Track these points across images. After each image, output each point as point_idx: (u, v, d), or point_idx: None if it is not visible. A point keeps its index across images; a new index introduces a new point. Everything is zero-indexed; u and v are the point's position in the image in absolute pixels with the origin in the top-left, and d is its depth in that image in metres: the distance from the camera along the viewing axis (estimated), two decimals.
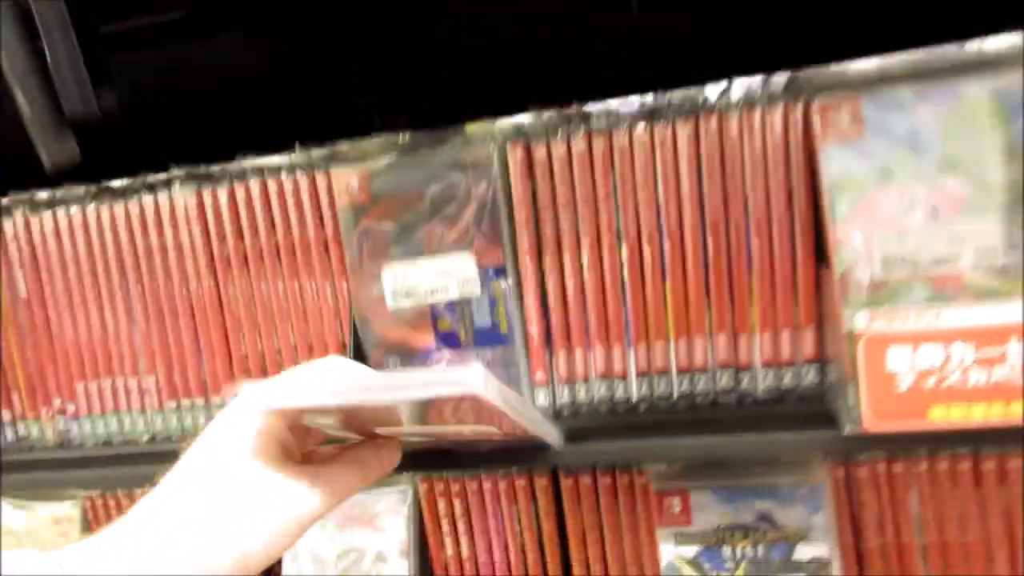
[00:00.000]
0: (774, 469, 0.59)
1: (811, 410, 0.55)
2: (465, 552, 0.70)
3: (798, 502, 0.59)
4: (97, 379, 0.71)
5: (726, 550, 0.60)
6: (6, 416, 0.75)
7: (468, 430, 0.48)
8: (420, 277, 0.61)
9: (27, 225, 0.70)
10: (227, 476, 0.42)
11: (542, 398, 0.60)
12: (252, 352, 0.67)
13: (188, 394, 0.69)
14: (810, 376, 0.55)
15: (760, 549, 0.60)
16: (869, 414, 0.47)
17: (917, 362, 0.46)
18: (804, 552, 0.59)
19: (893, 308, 0.46)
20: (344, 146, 0.61)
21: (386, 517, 0.72)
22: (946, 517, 0.59)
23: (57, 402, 0.73)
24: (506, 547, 0.69)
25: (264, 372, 0.67)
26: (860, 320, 0.46)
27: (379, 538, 0.72)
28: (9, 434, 0.75)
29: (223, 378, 0.68)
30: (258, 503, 0.41)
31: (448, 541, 0.71)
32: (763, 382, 0.56)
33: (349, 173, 0.60)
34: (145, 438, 0.71)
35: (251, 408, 0.44)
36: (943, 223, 0.48)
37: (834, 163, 0.49)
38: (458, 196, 0.58)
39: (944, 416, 0.46)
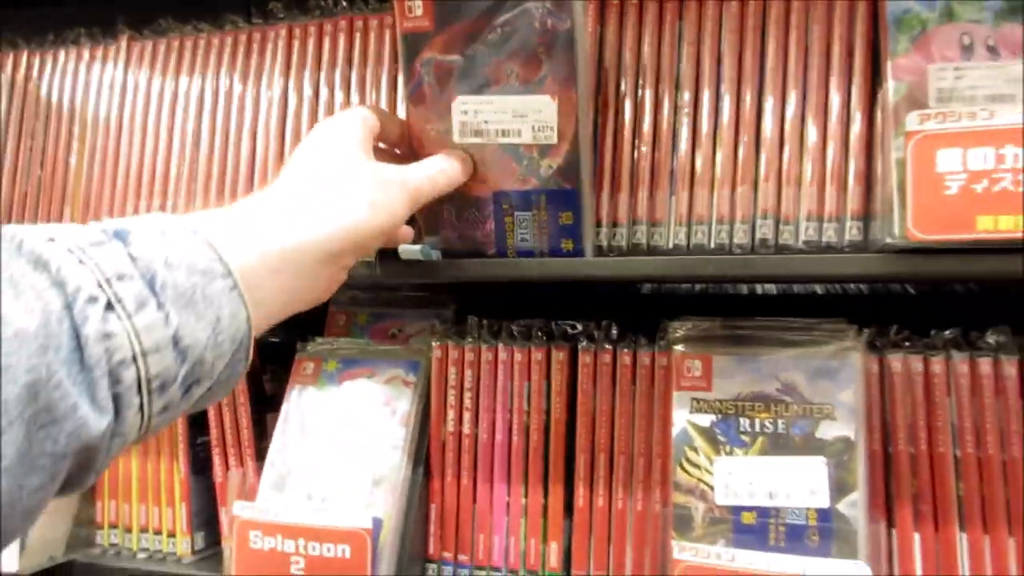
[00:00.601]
0: (805, 336, 0.57)
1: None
2: (466, 429, 0.67)
3: (826, 376, 0.56)
4: (150, 200, 0.73)
5: (744, 422, 0.57)
6: None
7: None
8: (492, 114, 0.56)
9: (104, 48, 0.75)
10: (342, 160, 0.47)
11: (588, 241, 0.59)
12: None
13: None
14: (853, 232, 0.54)
15: (780, 423, 0.56)
16: (916, 220, 0.46)
17: (968, 163, 0.45)
18: (828, 430, 0.55)
19: (945, 109, 0.46)
20: None
21: (393, 386, 0.70)
22: (985, 426, 0.56)
23: (105, 219, 0.74)
24: (509, 427, 0.66)
25: None
26: (911, 121, 0.46)
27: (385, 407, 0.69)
28: None
29: None
30: (367, 182, 0.47)
31: (451, 415, 0.68)
32: (804, 234, 0.55)
33: None
34: None
35: (356, 113, 0.51)
36: (1002, 63, 0.49)
37: (896, 2, 0.51)
38: (533, 28, 0.54)
39: (992, 227, 0.45)
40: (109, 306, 0.32)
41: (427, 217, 0.60)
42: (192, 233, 0.36)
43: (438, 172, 0.54)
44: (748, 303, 0.90)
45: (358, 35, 0.67)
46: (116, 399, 0.33)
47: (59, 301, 0.31)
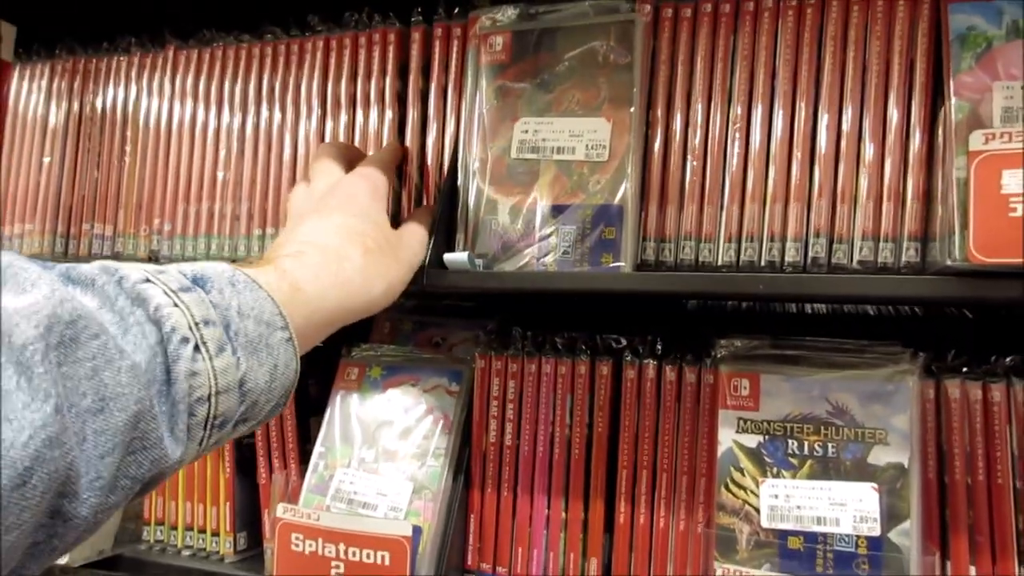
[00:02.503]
0: (857, 359, 0.56)
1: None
2: (508, 440, 0.67)
3: (880, 400, 0.55)
4: (199, 203, 0.75)
5: (792, 443, 0.56)
6: (108, 231, 0.79)
7: None
8: (550, 133, 0.60)
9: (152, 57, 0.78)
10: (376, 236, 0.54)
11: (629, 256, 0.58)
12: None
13: (276, 224, 0.71)
14: (910, 252, 0.53)
15: (831, 447, 0.55)
16: (978, 243, 0.45)
17: None
18: (880, 456, 0.54)
19: (1010, 129, 0.45)
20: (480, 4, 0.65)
21: (436, 395, 0.70)
22: None
23: (157, 221, 0.77)
24: (551, 440, 0.66)
25: None
26: (975, 141, 0.45)
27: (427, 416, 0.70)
28: (105, 248, 0.78)
29: None
30: (393, 265, 0.54)
31: (493, 426, 0.68)
32: (858, 254, 0.54)
33: (495, 33, 0.63)
34: (228, 258, 0.72)
35: (378, 176, 0.58)
36: None
37: (960, 18, 0.50)
38: (597, 62, 0.60)
39: None
40: (196, 348, 0.35)
41: (472, 226, 0.60)
42: (257, 286, 0.40)
43: (424, 248, 0.59)
44: (797, 322, 0.88)
45: (391, 48, 0.68)
46: (188, 431, 0.35)
47: (155, 337, 0.34)
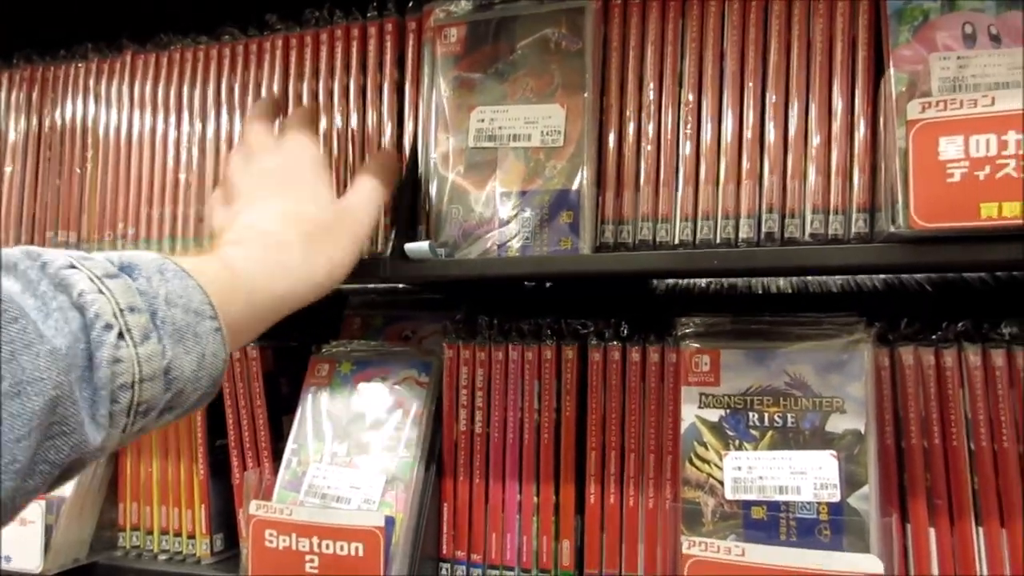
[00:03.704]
0: (814, 331, 0.57)
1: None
2: (478, 428, 0.68)
3: (836, 369, 0.56)
4: (162, 206, 0.75)
5: (753, 416, 0.57)
6: (72, 238, 0.78)
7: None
8: (506, 121, 0.61)
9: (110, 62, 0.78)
10: (320, 209, 0.55)
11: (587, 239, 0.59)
12: None
13: None
14: (859, 223, 0.54)
15: (790, 417, 0.56)
16: (919, 209, 0.46)
17: (970, 151, 0.45)
18: (838, 423, 0.55)
19: (946, 97, 0.46)
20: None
21: (406, 387, 0.71)
22: (999, 419, 0.55)
23: (120, 226, 0.76)
24: (521, 426, 0.67)
25: None
26: (912, 110, 0.46)
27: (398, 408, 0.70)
28: None
29: None
30: (340, 242, 0.54)
31: (463, 415, 0.68)
32: (810, 227, 0.55)
33: (449, 25, 0.64)
34: None
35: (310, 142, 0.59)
36: (1005, 50, 0.49)
37: None
38: (548, 49, 0.61)
39: (996, 214, 0.45)
40: (120, 335, 0.35)
41: (434, 215, 0.61)
42: (186, 275, 0.40)
43: (375, 207, 0.59)
44: (764, 301, 0.89)
45: (355, 43, 0.68)
46: (110, 417, 0.35)
47: (78, 323, 0.34)
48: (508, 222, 0.60)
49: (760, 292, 0.91)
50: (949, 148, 0.45)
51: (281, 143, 0.58)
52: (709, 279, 0.94)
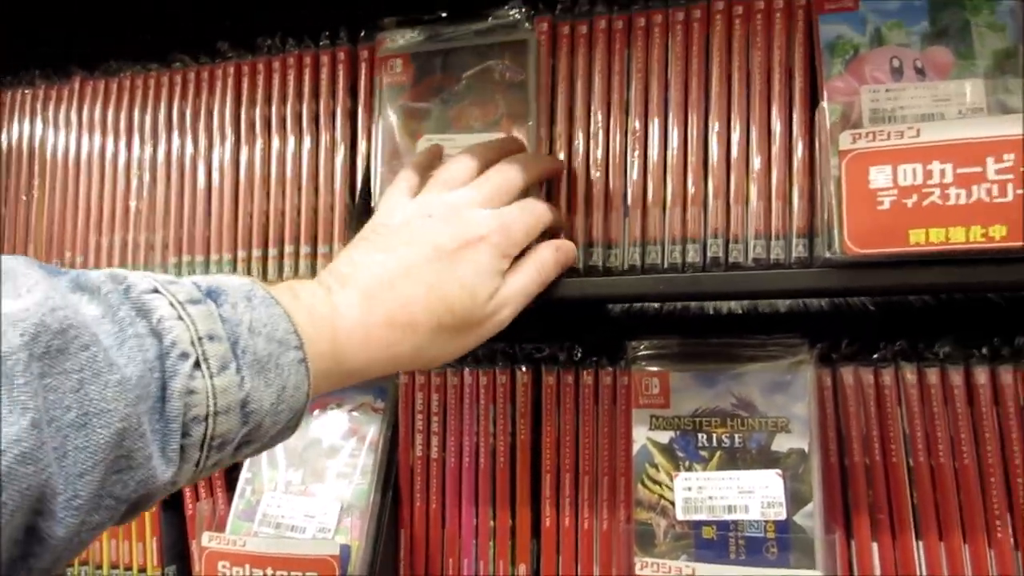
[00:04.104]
0: (759, 352, 0.58)
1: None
2: (434, 454, 0.68)
3: (780, 390, 0.57)
4: (111, 234, 0.74)
5: (702, 437, 0.58)
6: None
7: None
8: (452, 149, 0.62)
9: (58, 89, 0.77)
10: (472, 292, 0.47)
11: None
12: (258, 214, 0.69)
13: (191, 251, 0.71)
14: (799, 248, 0.56)
15: (737, 437, 0.57)
16: (852, 236, 0.48)
17: (898, 179, 0.47)
18: (783, 443, 0.57)
19: (875, 129, 0.48)
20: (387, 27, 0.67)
21: (362, 412, 0.71)
22: (935, 435, 0.57)
23: (68, 255, 0.75)
24: (476, 451, 0.67)
25: (265, 234, 0.69)
26: (844, 140, 0.48)
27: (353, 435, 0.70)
28: None
29: (227, 238, 0.70)
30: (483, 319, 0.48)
31: (419, 440, 0.69)
32: (752, 252, 0.57)
33: (394, 56, 0.65)
34: None
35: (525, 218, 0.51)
36: (929, 83, 0.51)
37: (829, 28, 0.54)
38: (493, 80, 0.62)
39: (923, 240, 0.47)
40: (196, 364, 0.33)
41: None
42: (274, 302, 0.38)
43: (525, 302, 0.51)
44: (716, 322, 0.91)
45: (307, 71, 0.69)
46: (181, 451, 0.34)
47: (154, 351, 0.33)
48: None
49: (712, 313, 0.93)
50: (879, 177, 0.47)
51: (489, 212, 0.49)
52: (662, 302, 0.96)
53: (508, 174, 0.52)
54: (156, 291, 0.34)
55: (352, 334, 0.42)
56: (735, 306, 0.94)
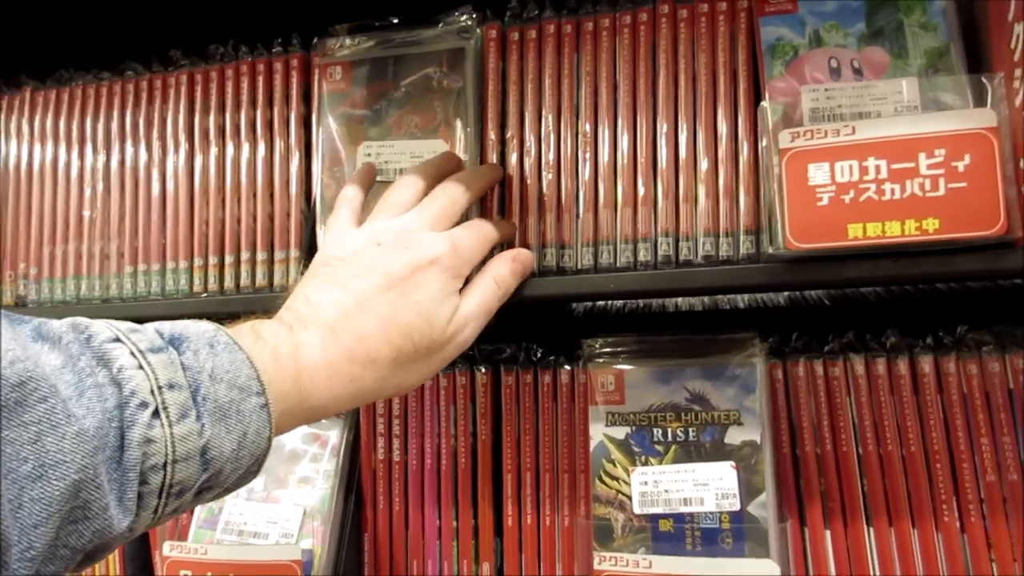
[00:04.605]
0: (711, 347, 0.60)
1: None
2: (396, 456, 0.69)
3: (732, 383, 0.59)
4: (65, 244, 0.74)
5: (657, 432, 0.59)
6: None
7: None
8: (392, 156, 0.64)
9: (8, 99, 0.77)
10: (428, 319, 0.47)
11: None
12: (214, 222, 0.69)
13: (147, 260, 0.71)
14: (747, 245, 0.57)
15: (691, 431, 0.58)
16: (793, 231, 0.49)
17: (836, 176, 0.48)
18: (736, 435, 0.58)
19: (813, 127, 0.49)
20: (339, 33, 0.67)
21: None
22: (883, 424, 0.59)
23: (22, 266, 0.75)
24: (438, 452, 0.68)
25: (222, 241, 0.69)
26: (783, 139, 0.49)
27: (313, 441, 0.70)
28: None
29: (183, 246, 0.70)
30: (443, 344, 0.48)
31: (380, 443, 0.69)
32: (702, 250, 0.58)
33: (334, 64, 0.66)
34: (99, 299, 0.71)
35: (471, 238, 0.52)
36: (866, 82, 0.53)
37: (769, 30, 0.55)
38: (431, 87, 0.63)
39: (861, 234, 0.48)
40: (155, 413, 0.34)
41: None
42: (237, 348, 0.38)
43: (485, 320, 0.51)
44: (676, 320, 0.93)
45: (261, 78, 0.69)
46: (139, 499, 0.34)
47: (114, 400, 0.33)
48: None
49: (674, 311, 0.95)
50: (817, 174, 0.49)
51: (437, 235, 0.50)
52: (624, 301, 0.97)
53: (452, 194, 0.53)
54: (118, 340, 0.35)
55: (315, 373, 0.42)
56: (696, 304, 0.96)
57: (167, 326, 0.38)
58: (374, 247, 0.48)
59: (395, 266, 0.47)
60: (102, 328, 0.35)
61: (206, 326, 0.39)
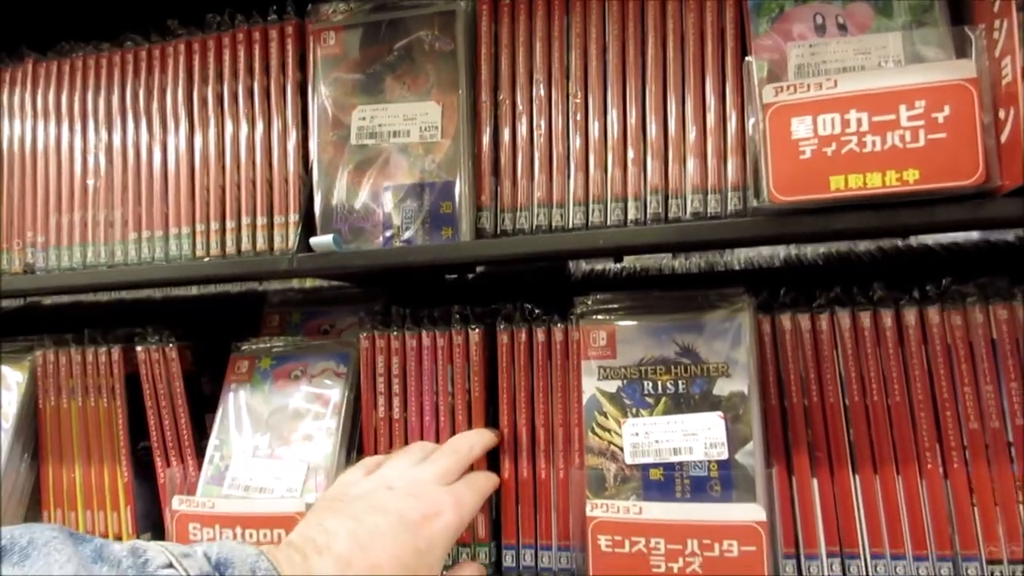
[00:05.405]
0: (701, 303, 0.61)
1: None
2: (396, 414, 0.70)
3: (720, 337, 0.60)
4: (71, 212, 0.75)
5: (647, 384, 0.61)
6: None
7: None
8: (386, 118, 0.65)
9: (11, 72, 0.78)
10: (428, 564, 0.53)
11: (484, 220, 0.63)
12: (214, 188, 0.71)
13: (150, 227, 0.72)
14: (734, 201, 0.58)
15: (681, 384, 0.60)
16: (777, 185, 0.50)
17: (818, 129, 0.49)
18: (724, 387, 0.59)
19: (796, 82, 0.50)
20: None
21: (325, 378, 0.73)
22: (869, 375, 0.60)
23: (30, 235, 0.76)
24: (436, 409, 0.69)
25: (223, 207, 0.70)
26: (767, 94, 0.50)
27: (316, 400, 0.72)
28: None
29: (185, 213, 0.71)
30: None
31: (381, 401, 0.71)
32: (691, 207, 0.59)
33: (328, 29, 0.67)
34: (105, 265, 0.73)
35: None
36: (850, 38, 0.54)
37: None
38: (423, 51, 0.65)
39: (843, 185, 0.49)
40: None
41: (323, 211, 0.64)
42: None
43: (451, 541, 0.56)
44: (670, 283, 0.94)
45: (257, 46, 0.70)
46: None
47: None
48: (392, 215, 0.63)
49: (669, 273, 0.96)
50: (800, 128, 0.50)
51: (444, 490, 0.57)
52: (620, 266, 0.98)
53: (459, 453, 0.62)
54: (171, 565, 0.40)
55: None
56: (692, 268, 0.97)
57: (215, 549, 0.43)
58: (386, 490, 0.56)
59: (408, 509, 0.54)
60: (157, 553, 0.41)
61: (250, 551, 0.44)
